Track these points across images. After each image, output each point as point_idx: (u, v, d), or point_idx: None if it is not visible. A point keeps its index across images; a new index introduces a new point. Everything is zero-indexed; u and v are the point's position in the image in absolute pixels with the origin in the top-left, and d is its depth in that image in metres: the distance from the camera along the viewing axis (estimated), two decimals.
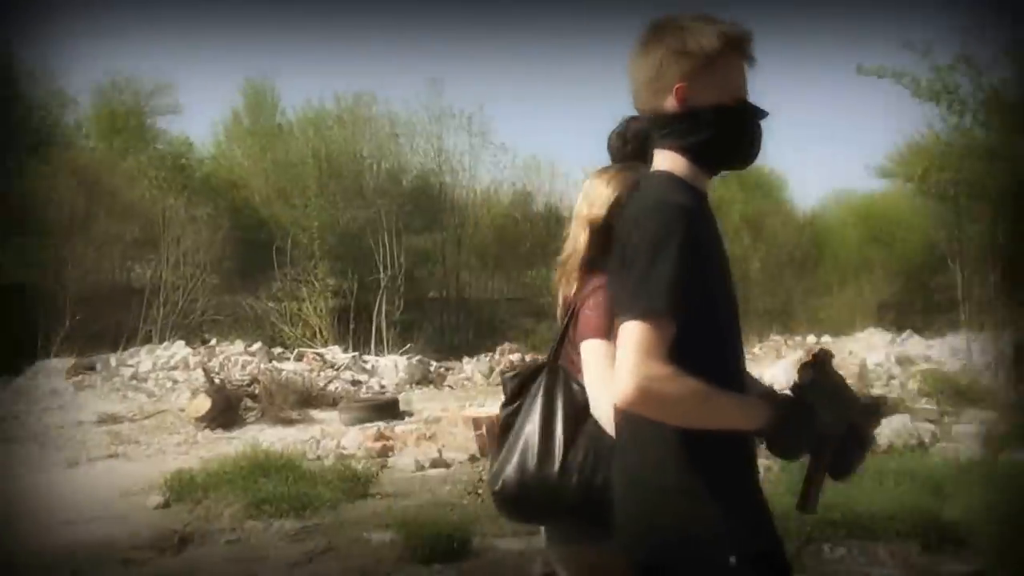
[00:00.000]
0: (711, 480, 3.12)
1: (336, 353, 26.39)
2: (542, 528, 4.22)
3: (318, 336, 31.23)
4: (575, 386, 3.98)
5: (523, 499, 3.94)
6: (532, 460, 3.91)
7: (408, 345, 30.61)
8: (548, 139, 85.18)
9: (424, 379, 25.00)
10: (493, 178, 42.02)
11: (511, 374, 4.16)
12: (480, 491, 10.39)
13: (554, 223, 43.81)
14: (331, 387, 20.81)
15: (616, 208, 3.98)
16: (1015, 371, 15.97)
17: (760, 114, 3.34)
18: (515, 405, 4.08)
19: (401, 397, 19.37)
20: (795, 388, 3.22)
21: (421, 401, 19.71)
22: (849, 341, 18.85)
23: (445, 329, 36.43)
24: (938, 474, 10.54)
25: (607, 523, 3.59)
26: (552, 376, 4.04)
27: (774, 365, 23.70)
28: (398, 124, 37.93)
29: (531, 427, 3.97)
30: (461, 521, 9.07)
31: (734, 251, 46.32)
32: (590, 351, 3.92)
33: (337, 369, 23.59)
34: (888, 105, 38.53)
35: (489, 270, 41.10)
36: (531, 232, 41.51)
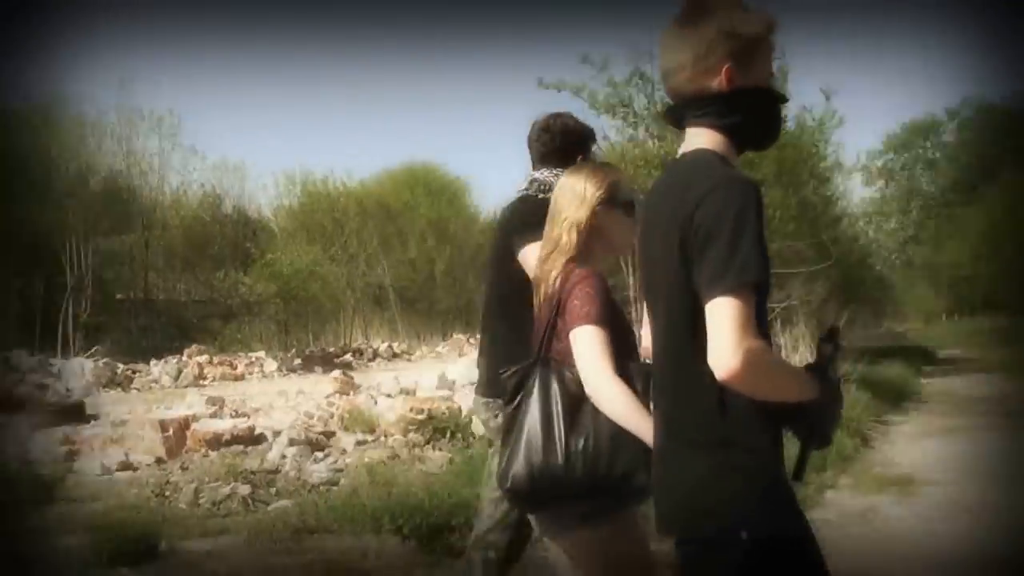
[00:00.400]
0: (754, 458, 3.14)
1: (22, 356, 25.75)
2: (536, 522, 4.38)
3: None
4: (567, 375, 4.10)
5: (534, 491, 4.04)
6: (537, 453, 4.01)
7: (95, 348, 30.09)
8: (238, 142, 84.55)
9: (111, 382, 24.66)
10: (183, 180, 41.73)
11: (508, 373, 4.22)
12: (167, 493, 10.42)
13: (243, 225, 43.77)
14: (16, 391, 20.33)
15: (601, 205, 4.31)
16: None
17: (784, 99, 3.53)
18: (516, 403, 4.16)
19: (88, 400, 19.08)
20: (821, 362, 3.30)
21: (108, 404, 19.42)
22: None
23: (133, 331, 35.83)
24: None
25: (610, 507, 4.02)
26: (545, 369, 4.15)
27: (456, 363, 24.36)
28: (87, 125, 37.15)
29: (532, 421, 4.07)
30: (148, 524, 8.89)
31: (420, 254, 47.19)
32: (583, 337, 4.08)
33: (22, 373, 23.03)
34: None
35: (177, 272, 40.69)
36: (220, 234, 41.36)
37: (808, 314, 20.38)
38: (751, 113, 3.38)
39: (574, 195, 4.37)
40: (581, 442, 4.00)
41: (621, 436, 3.96)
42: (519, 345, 4.72)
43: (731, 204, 3.07)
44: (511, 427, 4.14)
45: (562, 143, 5.63)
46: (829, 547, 3.46)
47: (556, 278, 4.26)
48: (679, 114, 3.45)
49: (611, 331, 4.12)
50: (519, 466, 4.04)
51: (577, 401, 4.06)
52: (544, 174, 5.55)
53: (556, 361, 4.17)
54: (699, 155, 3.33)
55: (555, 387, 4.10)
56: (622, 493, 4.03)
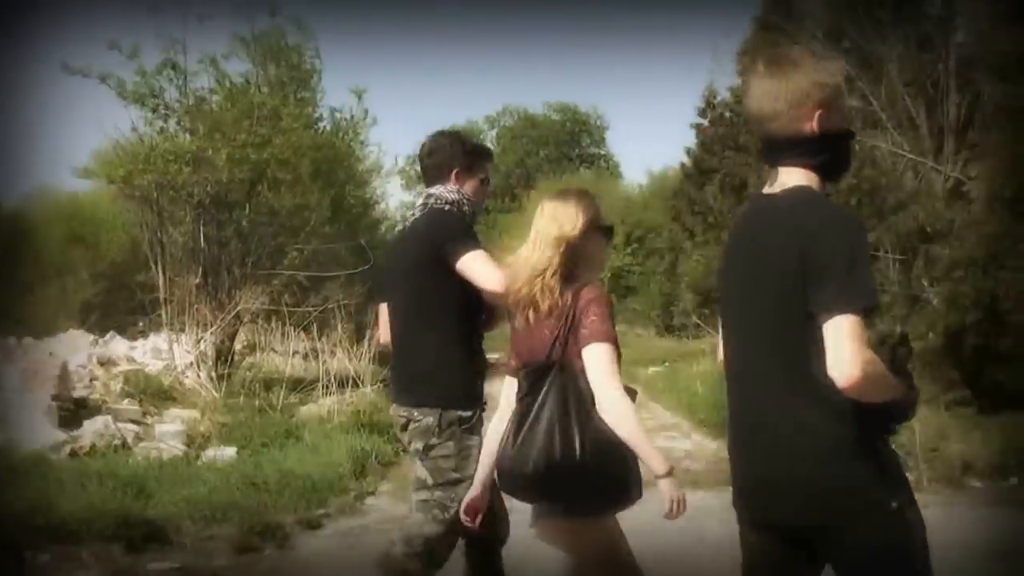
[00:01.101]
0: (870, 441, 3.72)
1: None
2: (531, 512, 4.81)
3: None
4: (582, 383, 4.60)
5: (551, 479, 4.54)
6: (557, 446, 4.51)
7: None
8: None
9: None
10: None
11: (527, 370, 4.73)
12: None
13: None
14: None
15: (586, 228, 4.80)
16: (215, 370, 16.33)
17: (854, 135, 4.11)
18: (531, 396, 4.66)
19: None
20: (902, 366, 3.85)
21: None
22: (52, 342, 18.32)
23: None
24: (141, 473, 10.55)
25: (605, 505, 4.66)
26: (563, 374, 4.63)
27: None
28: None
29: (551, 416, 4.57)
30: None
31: None
32: (598, 353, 4.60)
33: None
34: (97, 106, 38.02)
35: None
36: None
37: (346, 317, 20.18)
38: (836, 151, 3.91)
39: (565, 218, 4.81)
40: (592, 442, 4.51)
41: (622, 445, 4.51)
42: (448, 347, 5.61)
43: (847, 236, 3.63)
44: (525, 419, 4.65)
45: (463, 160, 5.95)
46: None
47: (565, 295, 4.71)
48: (775, 156, 3.92)
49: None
50: (538, 455, 4.55)
51: (588, 406, 4.57)
52: (440, 190, 5.87)
53: (573, 368, 4.64)
54: (803, 192, 3.83)
55: (572, 390, 4.61)
56: (618, 494, 4.63)
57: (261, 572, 8.36)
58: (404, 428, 5.73)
